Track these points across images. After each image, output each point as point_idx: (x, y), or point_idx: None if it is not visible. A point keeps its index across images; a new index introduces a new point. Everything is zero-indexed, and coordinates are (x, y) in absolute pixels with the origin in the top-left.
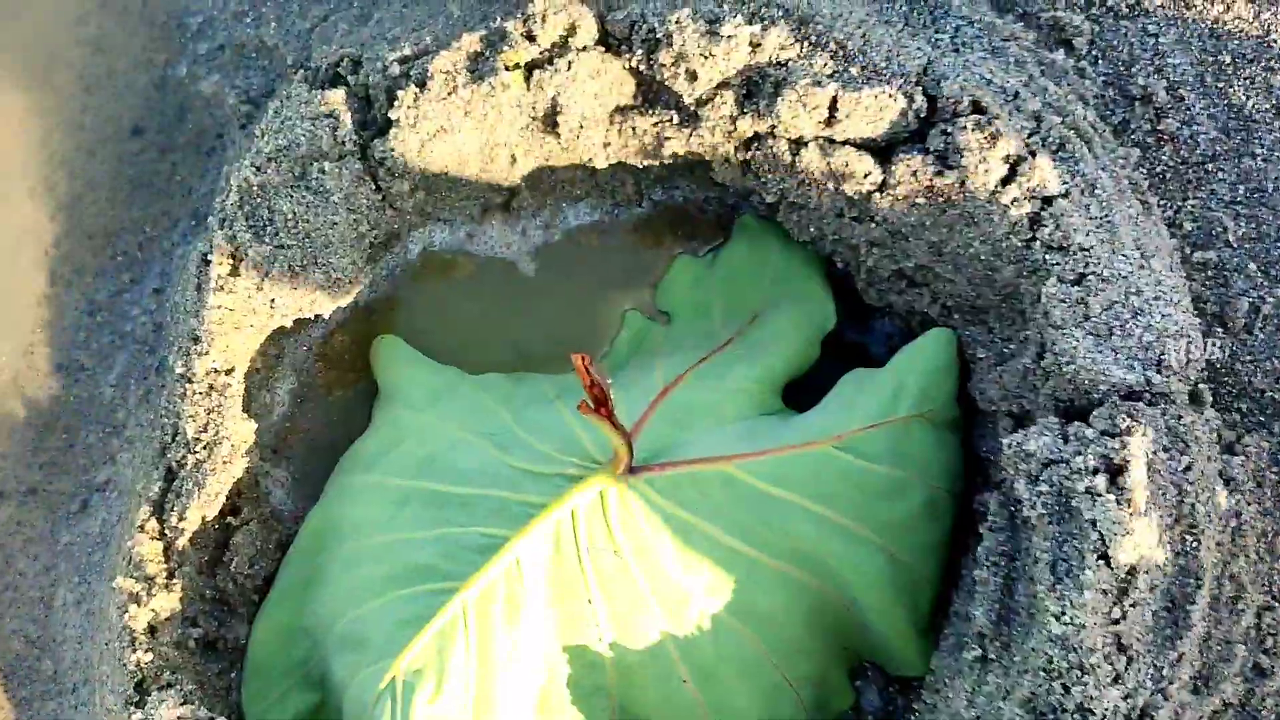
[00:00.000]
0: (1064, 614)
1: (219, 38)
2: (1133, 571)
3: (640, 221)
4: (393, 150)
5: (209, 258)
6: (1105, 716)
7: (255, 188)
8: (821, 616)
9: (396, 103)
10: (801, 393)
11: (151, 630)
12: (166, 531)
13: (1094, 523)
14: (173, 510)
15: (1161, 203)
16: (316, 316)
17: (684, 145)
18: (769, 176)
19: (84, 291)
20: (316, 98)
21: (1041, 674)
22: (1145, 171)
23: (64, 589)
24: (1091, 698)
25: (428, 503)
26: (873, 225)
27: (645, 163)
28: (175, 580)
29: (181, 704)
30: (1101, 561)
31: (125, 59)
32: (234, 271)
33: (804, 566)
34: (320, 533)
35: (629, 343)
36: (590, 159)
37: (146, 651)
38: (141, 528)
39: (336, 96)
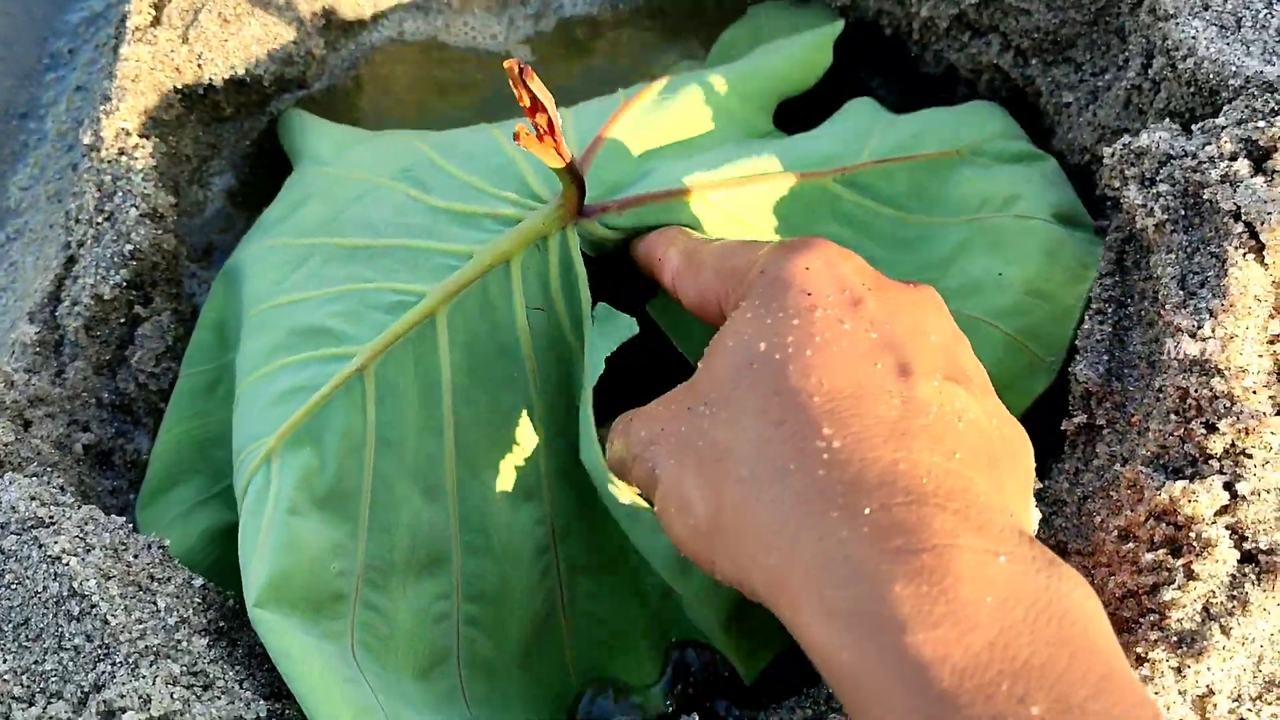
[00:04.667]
0: (1201, 327)
1: None
2: None
3: (648, 12)
4: None
5: (127, 10)
6: (1269, 460)
7: None
8: None
9: None
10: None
11: (25, 423)
12: (59, 320)
13: (1237, 213)
14: (67, 296)
15: None
16: (259, 97)
17: None
18: None
19: None
20: None
21: (1173, 418)
22: None
23: None
24: (1245, 431)
25: (329, 258)
26: None
27: None
28: (65, 376)
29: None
30: (1251, 258)
31: None
32: (155, 21)
33: None
34: (220, 323)
35: None
36: None
37: (9, 434)
38: (30, 318)
39: None
